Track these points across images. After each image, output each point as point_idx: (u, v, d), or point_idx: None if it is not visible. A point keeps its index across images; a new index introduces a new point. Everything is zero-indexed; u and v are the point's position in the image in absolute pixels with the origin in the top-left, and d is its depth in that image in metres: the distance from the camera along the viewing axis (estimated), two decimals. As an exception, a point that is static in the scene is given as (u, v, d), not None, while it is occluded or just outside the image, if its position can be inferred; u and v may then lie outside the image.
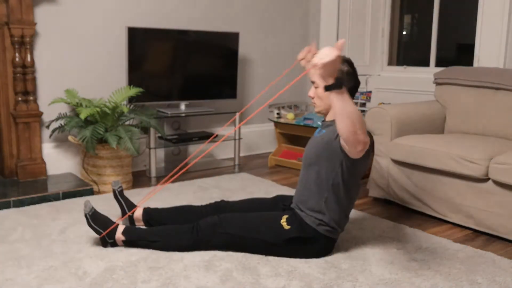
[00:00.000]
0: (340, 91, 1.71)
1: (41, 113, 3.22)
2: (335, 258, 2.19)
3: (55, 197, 2.95)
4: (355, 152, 1.90)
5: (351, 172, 2.09)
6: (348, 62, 2.15)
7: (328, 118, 2.20)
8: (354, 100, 3.70)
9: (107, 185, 3.18)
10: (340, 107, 1.73)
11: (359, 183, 2.21)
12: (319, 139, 2.17)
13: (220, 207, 2.42)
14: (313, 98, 2.19)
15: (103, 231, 2.23)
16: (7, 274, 1.98)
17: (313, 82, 2.17)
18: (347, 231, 2.48)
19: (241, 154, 4.15)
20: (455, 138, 2.87)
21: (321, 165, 2.11)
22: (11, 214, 2.70)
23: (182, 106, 3.76)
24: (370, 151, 2.08)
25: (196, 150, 2.72)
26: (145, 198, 2.63)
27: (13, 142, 3.21)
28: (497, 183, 2.48)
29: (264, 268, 2.08)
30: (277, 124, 4.17)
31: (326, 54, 1.61)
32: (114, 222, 2.28)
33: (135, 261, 2.11)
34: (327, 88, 1.71)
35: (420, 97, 3.74)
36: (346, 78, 2.11)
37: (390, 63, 4.52)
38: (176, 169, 2.53)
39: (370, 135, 2.06)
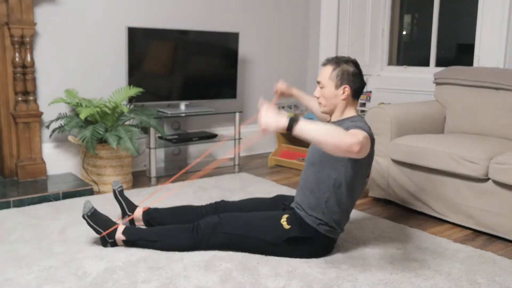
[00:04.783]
0: (297, 125, 1.78)
1: (41, 113, 3.22)
2: (335, 258, 2.19)
3: (55, 197, 2.95)
4: (356, 155, 1.85)
5: (356, 171, 2.08)
6: (353, 63, 2.14)
7: (333, 118, 2.19)
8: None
9: (107, 185, 3.18)
10: (312, 138, 1.79)
11: (364, 183, 2.20)
12: None
13: (220, 207, 2.42)
14: (318, 98, 2.18)
15: (103, 230, 2.23)
16: (7, 274, 1.98)
17: (318, 82, 2.17)
18: (347, 231, 2.48)
19: (241, 154, 4.15)
20: (455, 138, 2.87)
21: (324, 166, 2.11)
22: (11, 214, 2.70)
23: (182, 106, 3.76)
24: (373, 149, 2.07)
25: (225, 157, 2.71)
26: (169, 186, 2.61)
27: (13, 142, 3.21)
28: (497, 183, 2.48)
29: (264, 268, 2.08)
30: (277, 124, 4.15)
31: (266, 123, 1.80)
32: (114, 222, 2.28)
33: (135, 261, 2.11)
34: (288, 130, 1.79)
35: (420, 97, 3.74)
36: (351, 79, 2.11)
37: (390, 63, 4.52)
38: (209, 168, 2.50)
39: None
